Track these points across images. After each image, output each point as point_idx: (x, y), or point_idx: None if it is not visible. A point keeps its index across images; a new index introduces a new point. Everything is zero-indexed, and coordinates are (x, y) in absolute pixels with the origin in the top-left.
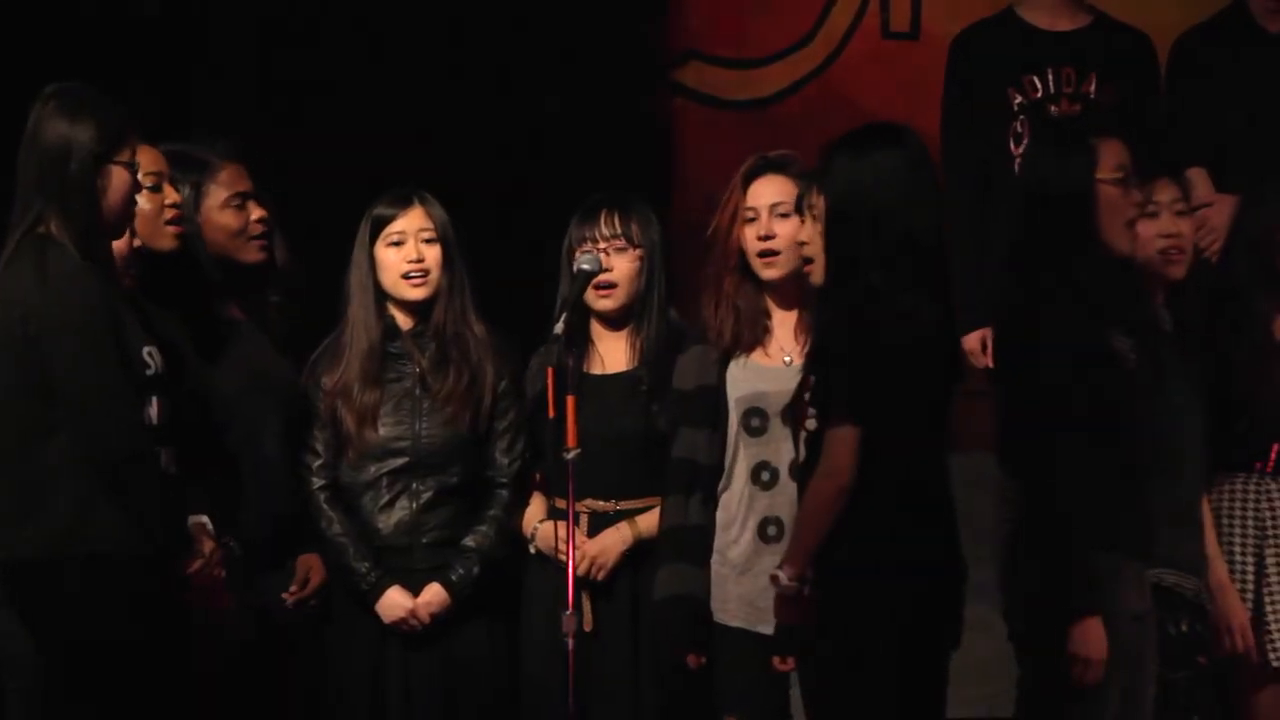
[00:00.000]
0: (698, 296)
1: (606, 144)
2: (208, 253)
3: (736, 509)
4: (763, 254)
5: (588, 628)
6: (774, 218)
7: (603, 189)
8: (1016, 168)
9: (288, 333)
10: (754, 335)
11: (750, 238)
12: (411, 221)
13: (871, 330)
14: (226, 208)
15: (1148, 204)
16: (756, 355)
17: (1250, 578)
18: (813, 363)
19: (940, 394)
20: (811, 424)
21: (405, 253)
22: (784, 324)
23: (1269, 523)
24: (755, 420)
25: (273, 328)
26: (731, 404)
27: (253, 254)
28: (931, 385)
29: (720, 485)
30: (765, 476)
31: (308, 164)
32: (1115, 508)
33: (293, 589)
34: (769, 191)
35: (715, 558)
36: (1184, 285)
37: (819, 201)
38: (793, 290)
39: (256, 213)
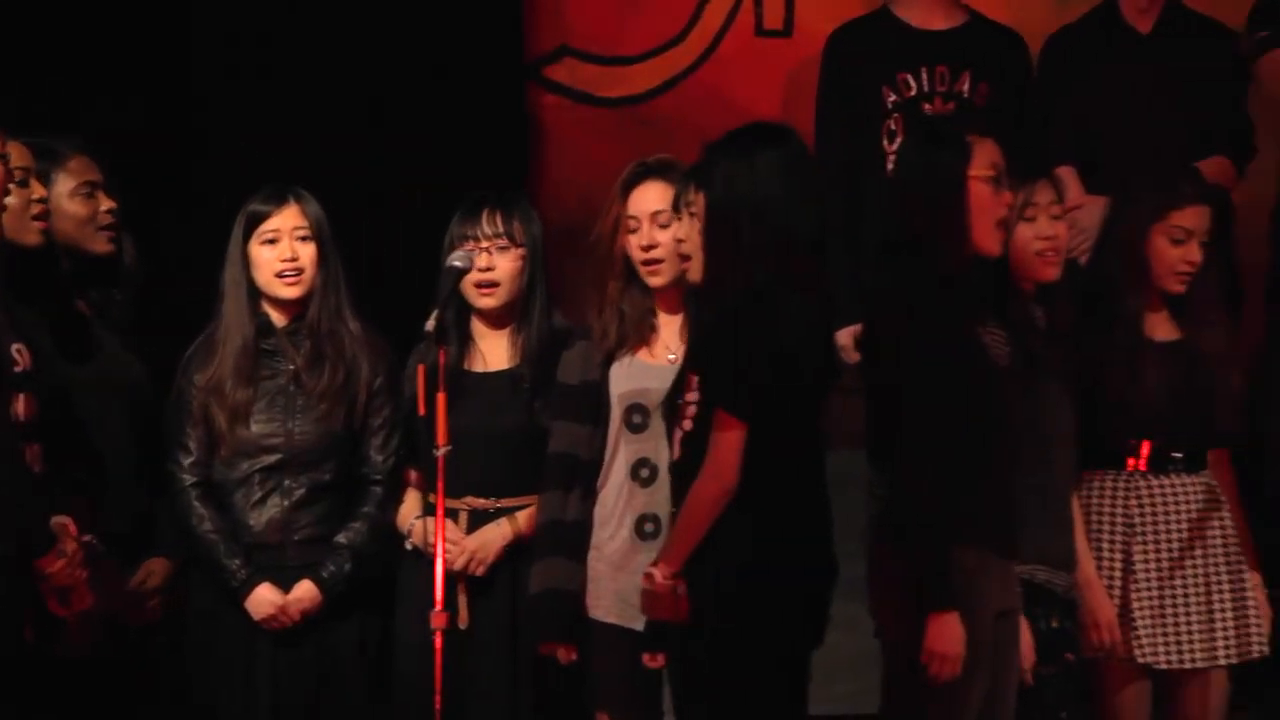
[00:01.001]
0: (571, 292)
1: (477, 140)
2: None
3: (614, 505)
4: (646, 263)
5: (464, 624)
6: (655, 226)
7: (474, 185)
8: (890, 165)
9: (128, 329)
10: (640, 337)
11: (634, 246)
12: (286, 219)
13: (755, 331)
14: (75, 196)
15: (1026, 206)
16: (641, 353)
17: (1118, 575)
18: (691, 361)
19: (818, 392)
20: (688, 424)
21: (280, 251)
22: (669, 324)
23: (1137, 520)
24: (637, 417)
25: (117, 323)
26: (614, 400)
27: (101, 244)
28: (811, 384)
29: (599, 481)
30: (644, 473)
31: (181, 163)
32: (982, 503)
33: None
34: (649, 199)
35: (592, 553)
36: (1056, 285)
37: (697, 199)
38: (677, 292)
39: (106, 203)
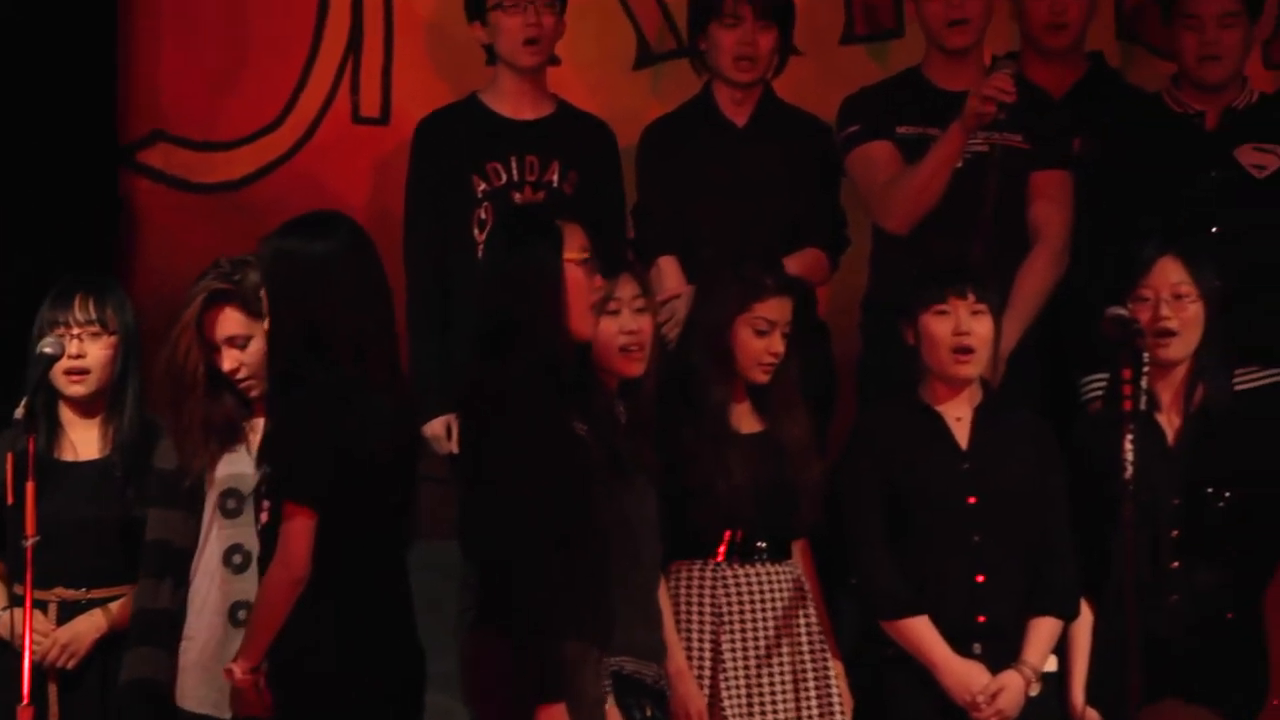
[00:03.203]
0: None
1: (70, 225)
2: None
3: (207, 592)
4: (238, 382)
5: (54, 719)
6: (233, 349)
7: (66, 271)
8: (480, 253)
9: None
10: (235, 438)
11: (219, 368)
12: None
13: (318, 421)
14: None
15: (609, 299)
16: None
17: (708, 665)
18: (260, 453)
19: (395, 482)
20: (265, 516)
21: None
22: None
23: (725, 610)
24: (231, 502)
25: None
26: (209, 485)
27: None
28: (386, 473)
29: (192, 567)
30: (237, 559)
31: None
32: (575, 595)
33: None
34: (226, 325)
35: (184, 642)
36: (639, 378)
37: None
38: None
39: None
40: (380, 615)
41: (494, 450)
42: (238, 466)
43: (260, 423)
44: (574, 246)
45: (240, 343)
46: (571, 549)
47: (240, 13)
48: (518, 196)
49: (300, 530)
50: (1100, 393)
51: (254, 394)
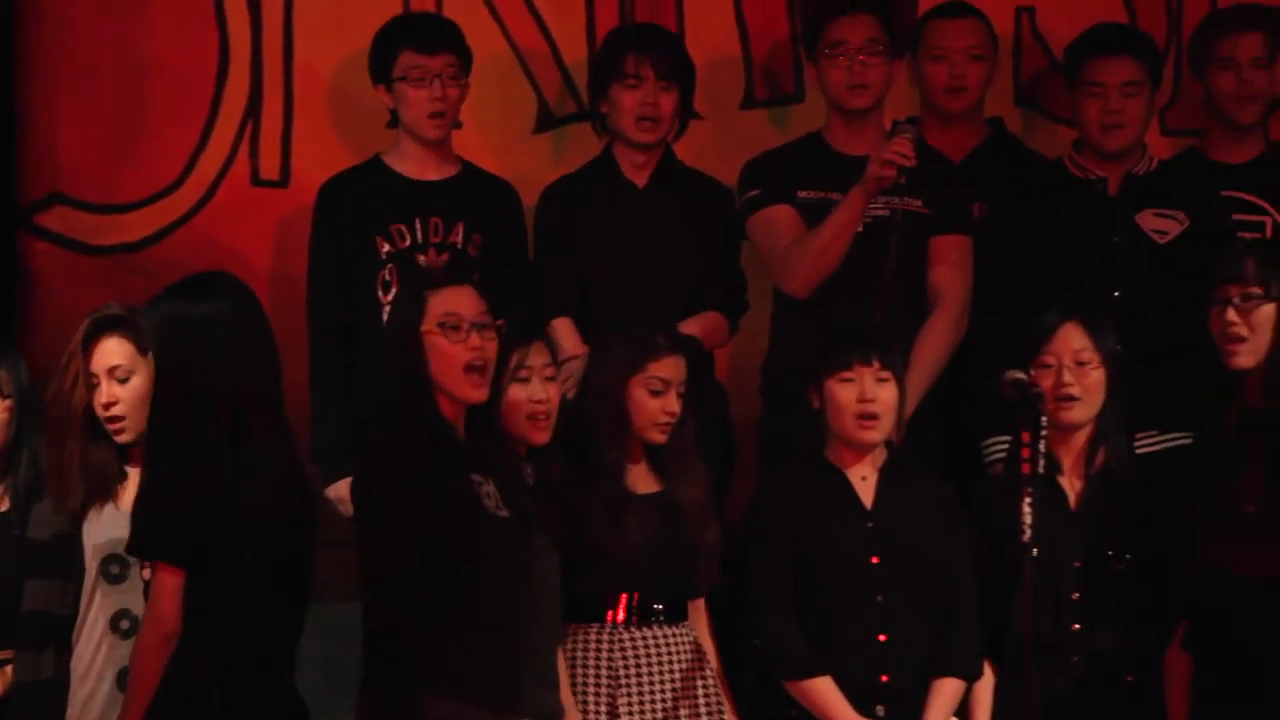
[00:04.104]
0: None
1: None
2: None
3: (92, 659)
4: (108, 420)
5: None
6: (113, 382)
7: None
8: (385, 315)
9: None
10: (107, 490)
11: (96, 404)
12: None
13: (187, 480)
14: None
15: (520, 367)
16: (117, 502)
17: None
18: (134, 510)
19: (281, 540)
20: (146, 573)
21: None
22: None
23: (621, 672)
24: (115, 567)
25: None
26: (90, 551)
27: None
28: (267, 531)
29: (75, 634)
30: (125, 625)
31: None
32: (471, 656)
33: None
34: (109, 355)
35: (71, 710)
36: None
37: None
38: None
39: None
40: (259, 675)
41: (381, 514)
42: (116, 531)
43: (135, 478)
44: (435, 314)
45: (121, 375)
46: (467, 609)
47: (140, 75)
48: (422, 258)
49: (167, 588)
50: (1001, 455)
51: (123, 438)
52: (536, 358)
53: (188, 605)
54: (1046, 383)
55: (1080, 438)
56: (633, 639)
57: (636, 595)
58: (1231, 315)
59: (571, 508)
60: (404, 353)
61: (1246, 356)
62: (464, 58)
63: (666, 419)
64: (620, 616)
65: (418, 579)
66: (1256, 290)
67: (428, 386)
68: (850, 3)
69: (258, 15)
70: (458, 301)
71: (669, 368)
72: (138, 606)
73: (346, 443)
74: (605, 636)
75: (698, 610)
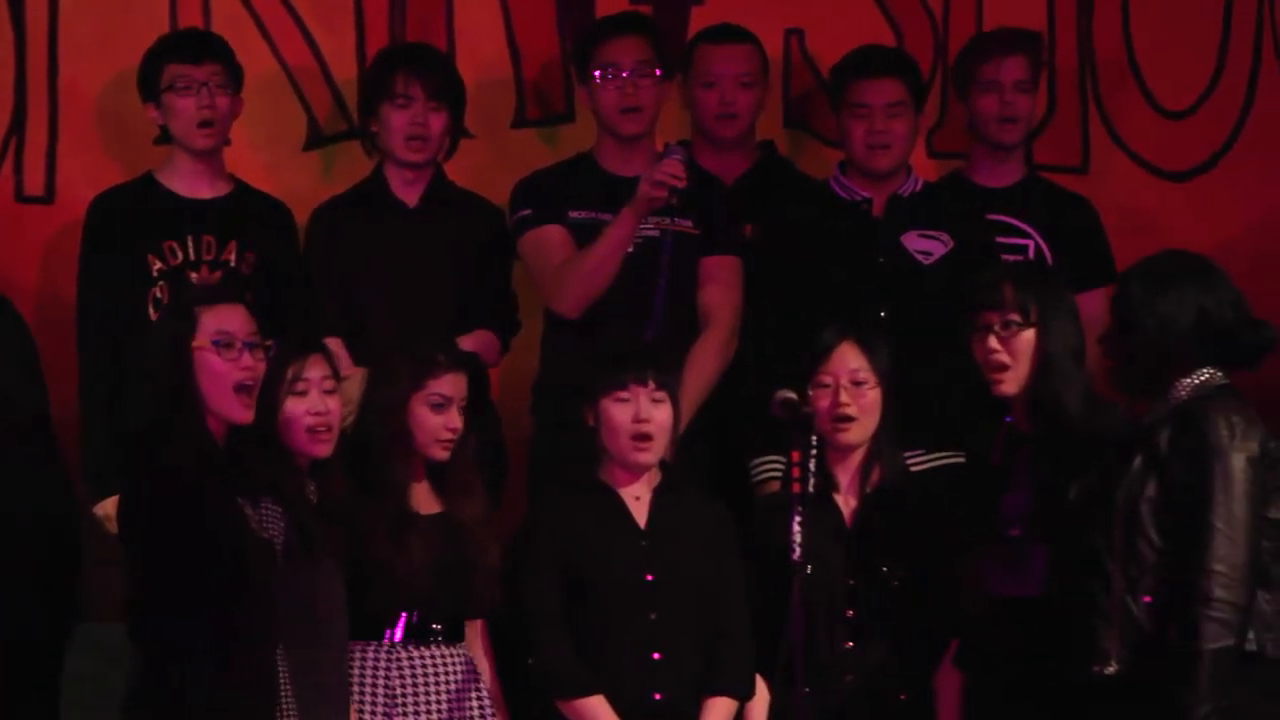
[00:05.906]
0: None
1: None
2: None
3: None
4: None
5: None
6: None
7: None
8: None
9: None
10: None
11: None
12: None
13: None
14: None
15: (297, 380)
16: None
17: None
18: None
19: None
20: None
21: None
22: None
23: (399, 692)
24: None
25: None
26: None
27: None
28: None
29: None
30: None
31: None
32: (232, 676)
33: None
34: None
35: None
36: (329, 459)
37: None
38: None
39: None
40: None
41: (144, 534)
42: None
43: None
44: (207, 332)
45: None
46: (226, 633)
47: None
48: (194, 276)
49: None
50: (769, 474)
51: None
52: (314, 370)
53: None
54: (823, 402)
55: (856, 456)
56: (410, 658)
57: (416, 614)
58: (993, 343)
59: (353, 526)
60: (173, 368)
61: (1010, 384)
62: (231, 69)
63: (449, 435)
64: (399, 635)
65: (181, 599)
66: (1015, 317)
67: (197, 403)
68: (620, 25)
69: (22, 32)
70: (230, 320)
71: (450, 384)
72: None
73: (114, 461)
74: (383, 655)
75: (477, 630)
